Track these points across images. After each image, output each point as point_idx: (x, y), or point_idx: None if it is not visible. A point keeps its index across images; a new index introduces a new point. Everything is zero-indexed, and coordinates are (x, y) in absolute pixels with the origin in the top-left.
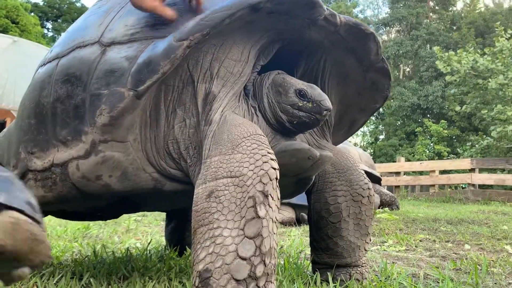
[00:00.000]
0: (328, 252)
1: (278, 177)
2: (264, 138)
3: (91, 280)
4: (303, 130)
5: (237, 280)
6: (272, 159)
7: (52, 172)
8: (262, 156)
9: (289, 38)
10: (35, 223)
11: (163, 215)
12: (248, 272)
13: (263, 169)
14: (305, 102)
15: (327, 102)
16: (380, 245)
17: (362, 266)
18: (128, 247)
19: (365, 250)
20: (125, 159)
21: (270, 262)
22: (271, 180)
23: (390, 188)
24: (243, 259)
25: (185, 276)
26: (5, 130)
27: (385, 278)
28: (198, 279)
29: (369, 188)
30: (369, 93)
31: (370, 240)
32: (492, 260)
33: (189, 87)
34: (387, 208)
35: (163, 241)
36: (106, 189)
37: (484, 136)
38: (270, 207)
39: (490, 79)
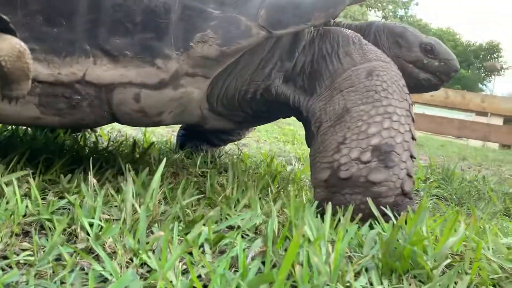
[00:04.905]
0: None
1: None
2: None
3: None
4: (412, 93)
5: (412, 158)
6: None
7: (75, 91)
8: None
9: None
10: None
11: None
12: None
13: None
14: (430, 59)
15: (456, 62)
16: None
17: None
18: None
19: None
20: (198, 97)
21: None
22: None
23: None
24: (414, 139)
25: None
26: None
27: None
28: (375, 153)
29: None
30: None
31: None
32: None
33: None
34: None
35: None
36: (154, 125)
37: None
38: None
39: None
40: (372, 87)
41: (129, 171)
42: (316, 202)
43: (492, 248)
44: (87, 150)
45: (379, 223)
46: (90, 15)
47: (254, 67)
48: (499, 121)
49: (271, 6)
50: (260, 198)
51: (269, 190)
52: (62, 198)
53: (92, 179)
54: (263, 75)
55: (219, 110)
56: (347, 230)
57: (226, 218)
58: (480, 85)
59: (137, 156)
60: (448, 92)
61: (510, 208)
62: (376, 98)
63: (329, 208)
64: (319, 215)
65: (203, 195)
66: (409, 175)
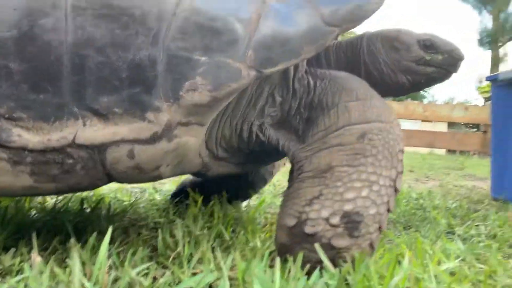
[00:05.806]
0: None
1: None
2: None
3: None
4: (427, 87)
5: (380, 231)
6: None
7: (67, 156)
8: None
9: None
10: None
11: None
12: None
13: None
14: (433, 55)
15: (460, 51)
16: None
17: None
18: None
19: None
20: (194, 145)
21: None
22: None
23: None
24: (389, 211)
25: None
26: None
27: None
28: (344, 219)
29: None
30: None
31: None
32: None
33: None
34: None
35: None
36: (153, 179)
37: None
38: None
39: None
40: (360, 150)
41: (75, 245)
42: (268, 253)
43: (435, 277)
44: (33, 213)
45: (326, 271)
46: (75, 76)
47: (246, 103)
48: (443, 127)
49: (259, 45)
50: (213, 249)
51: (223, 238)
52: (5, 277)
53: (35, 258)
54: (255, 111)
55: (220, 155)
56: (299, 279)
57: (179, 280)
58: (421, 92)
59: (87, 212)
60: (391, 104)
61: (453, 225)
62: (362, 162)
63: (277, 262)
64: (271, 266)
65: (156, 251)
66: (371, 246)
